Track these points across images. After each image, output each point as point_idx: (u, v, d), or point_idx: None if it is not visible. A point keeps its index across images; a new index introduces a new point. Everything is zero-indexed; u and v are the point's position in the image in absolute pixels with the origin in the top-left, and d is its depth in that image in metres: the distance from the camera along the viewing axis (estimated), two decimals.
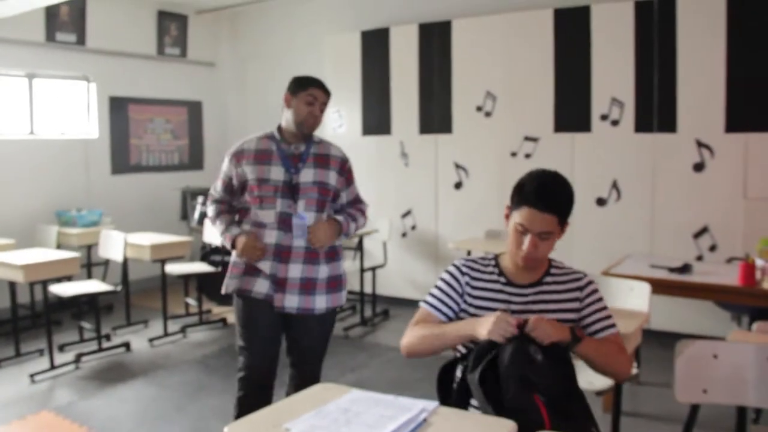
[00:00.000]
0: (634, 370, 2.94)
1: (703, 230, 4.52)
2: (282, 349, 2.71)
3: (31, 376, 4.10)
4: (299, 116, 2.60)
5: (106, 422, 3.46)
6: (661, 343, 4.13)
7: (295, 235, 2.56)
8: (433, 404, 1.52)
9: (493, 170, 5.28)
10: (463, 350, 1.82)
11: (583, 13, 4.85)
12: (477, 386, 1.64)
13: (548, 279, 1.88)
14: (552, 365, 1.65)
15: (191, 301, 5.55)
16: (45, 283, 4.31)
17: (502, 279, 1.88)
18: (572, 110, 4.95)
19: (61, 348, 4.65)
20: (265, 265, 2.59)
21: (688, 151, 4.54)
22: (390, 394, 1.60)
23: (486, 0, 5.46)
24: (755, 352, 1.91)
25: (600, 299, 1.87)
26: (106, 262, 5.21)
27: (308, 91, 2.61)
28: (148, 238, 5.08)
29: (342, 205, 2.74)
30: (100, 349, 4.58)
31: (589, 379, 2.54)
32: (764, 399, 1.93)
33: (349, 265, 4.94)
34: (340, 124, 6.13)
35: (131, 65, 6.41)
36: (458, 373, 1.85)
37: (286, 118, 2.65)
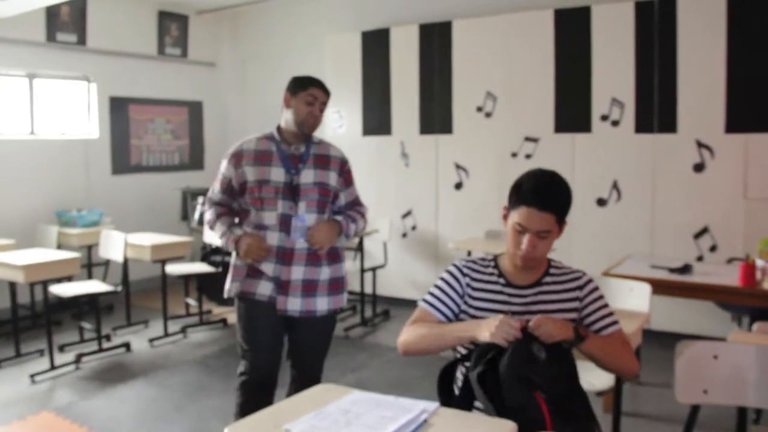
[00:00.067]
0: None
1: (704, 231, 4.52)
2: (282, 350, 2.71)
3: (32, 376, 4.10)
4: (299, 116, 2.58)
5: (107, 422, 3.46)
6: (661, 343, 4.13)
7: (294, 237, 2.54)
8: (433, 405, 1.52)
9: (493, 171, 5.28)
10: (464, 351, 1.82)
11: (584, 13, 4.85)
12: (477, 385, 1.64)
13: (548, 279, 1.88)
14: (554, 364, 1.66)
15: (191, 302, 5.55)
16: (45, 284, 4.31)
17: (502, 280, 1.88)
18: (572, 111, 4.95)
19: (62, 348, 4.65)
20: (268, 268, 2.57)
21: (688, 152, 4.54)
22: (390, 395, 1.59)
23: (486, 0, 5.46)
24: (755, 353, 1.91)
25: (600, 297, 1.87)
26: (107, 263, 5.21)
27: (308, 91, 2.59)
28: (148, 239, 5.08)
29: (341, 206, 2.72)
30: (101, 350, 4.58)
31: (590, 380, 2.54)
32: (764, 399, 1.93)
33: (349, 265, 4.93)
34: (340, 124, 6.13)
35: (132, 65, 6.41)
36: (459, 374, 1.85)
37: (286, 118, 2.63)
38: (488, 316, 1.81)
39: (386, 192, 5.85)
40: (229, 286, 2.68)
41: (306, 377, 2.63)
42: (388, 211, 5.74)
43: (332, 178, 2.65)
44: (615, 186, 4.82)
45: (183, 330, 5.10)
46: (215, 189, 2.74)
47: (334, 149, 2.73)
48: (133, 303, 5.48)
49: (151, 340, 4.87)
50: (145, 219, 6.33)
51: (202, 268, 5.36)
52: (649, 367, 3.92)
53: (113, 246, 4.76)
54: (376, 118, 5.92)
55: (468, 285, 1.89)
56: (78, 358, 4.39)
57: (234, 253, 2.67)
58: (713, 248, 4.48)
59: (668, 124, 4.60)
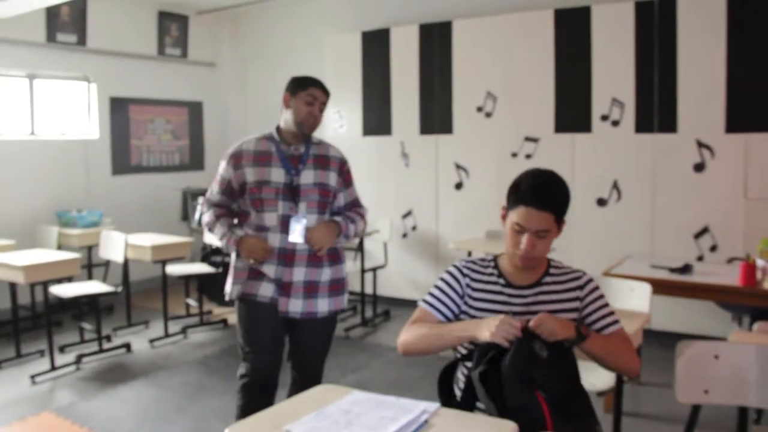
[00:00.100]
0: None
1: (704, 230, 4.52)
2: (283, 351, 2.71)
3: (32, 377, 4.10)
4: (299, 116, 2.57)
5: (107, 423, 3.46)
6: (662, 343, 4.13)
7: (291, 237, 2.52)
8: (434, 405, 1.52)
9: (493, 171, 5.28)
10: (464, 351, 1.82)
11: (584, 13, 4.85)
12: (479, 384, 1.64)
13: (547, 279, 1.88)
14: (556, 363, 1.66)
15: (192, 302, 5.55)
16: (46, 284, 4.32)
17: (502, 280, 1.88)
18: (573, 111, 4.95)
19: (62, 349, 4.65)
20: (270, 270, 2.55)
21: (688, 152, 4.54)
22: (391, 395, 1.59)
23: (486, 0, 5.46)
24: (756, 353, 1.91)
25: (601, 296, 1.87)
26: (107, 263, 5.21)
27: (308, 91, 2.58)
28: (148, 239, 5.08)
29: (340, 207, 2.70)
30: (101, 350, 4.58)
31: (591, 380, 2.54)
32: (765, 399, 1.93)
33: (349, 265, 4.92)
34: (340, 124, 6.13)
35: (132, 66, 6.41)
36: (460, 374, 1.85)
37: (285, 118, 2.62)
38: (488, 316, 1.81)
39: (386, 192, 5.85)
40: (230, 289, 2.66)
41: (307, 378, 2.62)
42: (389, 212, 5.74)
43: (332, 179, 2.64)
44: (615, 186, 4.82)
45: (183, 330, 5.10)
46: (214, 190, 2.71)
47: (333, 149, 2.72)
48: (134, 303, 5.48)
49: (151, 341, 4.87)
50: (146, 219, 6.33)
51: (202, 268, 5.36)
52: (650, 367, 3.92)
53: (113, 246, 4.76)
54: (377, 118, 5.92)
55: (468, 285, 1.89)
56: (78, 359, 4.39)
57: (234, 255, 2.65)
58: (713, 248, 4.48)
59: (668, 124, 4.60)
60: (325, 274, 2.61)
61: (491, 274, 1.89)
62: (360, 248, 5.28)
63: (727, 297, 3.49)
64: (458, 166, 5.51)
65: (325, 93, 2.63)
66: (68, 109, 6.08)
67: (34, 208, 5.67)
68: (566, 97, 4.97)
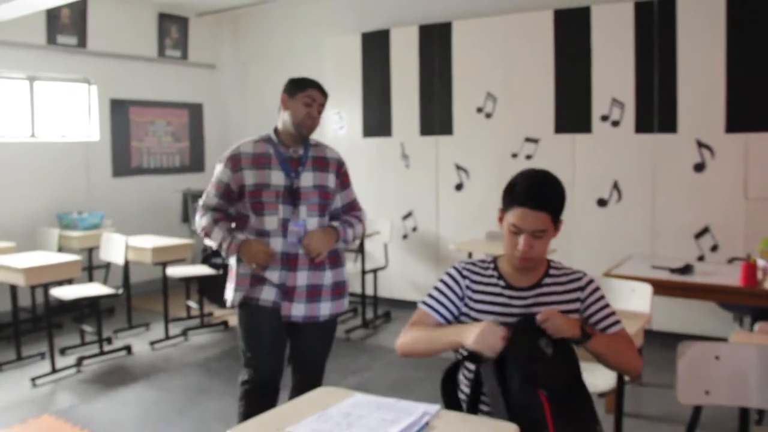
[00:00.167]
0: None
1: (704, 231, 4.52)
2: (285, 355, 2.70)
3: (33, 379, 4.10)
4: (297, 118, 2.55)
5: (108, 426, 3.46)
6: (662, 344, 4.12)
7: (290, 241, 2.50)
8: (435, 407, 1.52)
9: (493, 171, 5.28)
10: (465, 352, 1.82)
11: (583, 14, 4.85)
12: (492, 376, 1.63)
13: (547, 280, 1.87)
14: (559, 361, 1.66)
15: (192, 304, 5.55)
16: (46, 287, 4.31)
17: (502, 282, 1.88)
18: (573, 111, 4.95)
19: (63, 351, 4.65)
20: (273, 275, 2.52)
21: (688, 152, 4.54)
22: (392, 397, 1.60)
23: (486, 1, 5.47)
24: (757, 354, 1.91)
25: (602, 297, 1.88)
26: (108, 265, 5.21)
27: (306, 93, 2.56)
28: (149, 241, 5.08)
29: (337, 209, 2.68)
30: (102, 353, 4.58)
31: (592, 381, 2.53)
32: (767, 400, 1.92)
33: (350, 267, 4.92)
34: (340, 126, 6.13)
35: (132, 67, 6.42)
36: (461, 376, 1.85)
37: (283, 120, 2.60)
38: (489, 318, 1.81)
39: (387, 193, 5.85)
40: (232, 296, 2.60)
41: (307, 380, 2.60)
42: (389, 213, 5.74)
43: (331, 180, 2.63)
44: (615, 186, 4.82)
45: (184, 333, 5.10)
46: (210, 194, 2.63)
47: (331, 151, 2.70)
48: (134, 306, 5.48)
49: (152, 343, 4.87)
50: (146, 221, 6.33)
51: (203, 270, 5.36)
52: (651, 368, 3.92)
53: (114, 248, 4.76)
54: (377, 120, 5.92)
55: (468, 287, 1.89)
56: (79, 361, 4.39)
57: (234, 261, 2.60)
58: (714, 248, 4.48)
59: (668, 124, 4.59)
60: (328, 277, 2.59)
61: (491, 276, 1.89)
62: (360, 250, 5.28)
63: (728, 297, 3.49)
64: (458, 167, 5.51)
65: (323, 94, 2.61)
66: (69, 111, 6.09)
67: (35, 211, 5.68)
68: (566, 98, 4.97)
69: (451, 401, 1.84)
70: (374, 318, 5.39)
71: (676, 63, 4.53)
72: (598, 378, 2.57)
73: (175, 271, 5.20)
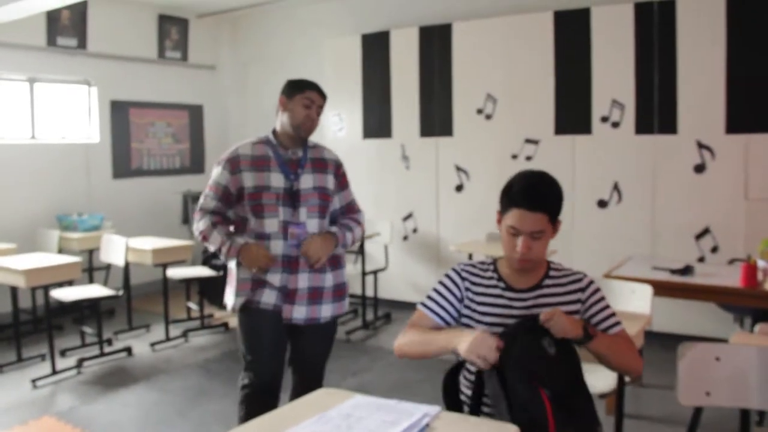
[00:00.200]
0: None
1: (705, 231, 4.52)
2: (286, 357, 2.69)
3: (33, 381, 4.10)
4: (296, 119, 2.54)
5: (108, 427, 3.46)
6: (663, 345, 4.12)
7: (291, 244, 2.50)
8: (435, 409, 1.52)
9: (494, 173, 5.27)
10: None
11: (583, 15, 4.85)
12: (494, 378, 1.63)
13: (548, 282, 1.87)
14: (561, 360, 1.66)
15: (193, 306, 5.55)
16: (46, 288, 4.31)
17: (502, 284, 1.88)
18: (573, 112, 4.95)
19: (63, 353, 4.65)
20: (275, 278, 2.51)
21: (688, 153, 4.53)
22: (392, 398, 1.59)
23: (486, 2, 5.47)
24: (758, 355, 1.91)
25: (603, 298, 1.88)
26: (108, 267, 5.21)
27: (305, 94, 2.55)
28: (149, 243, 5.08)
29: (335, 210, 2.67)
30: (102, 354, 4.57)
31: (592, 382, 2.53)
32: (767, 401, 1.92)
33: (350, 268, 4.93)
34: (340, 127, 6.13)
35: (132, 69, 6.42)
36: (462, 378, 1.85)
37: (282, 121, 2.59)
38: (489, 320, 1.81)
39: (387, 195, 5.85)
40: (232, 301, 2.58)
41: (308, 382, 2.60)
42: (389, 214, 5.74)
43: (330, 182, 2.62)
44: (616, 187, 4.82)
45: (184, 334, 5.10)
46: (208, 197, 2.59)
47: (328, 152, 2.70)
48: (135, 307, 5.48)
49: (152, 345, 4.87)
50: (146, 223, 6.33)
51: (203, 271, 5.36)
52: (651, 369, 3.91)
53: (114, 250, 4.76)
54: (377, 121, 5.92)
55: (468, 289, 1.89)
56: (79, 363, 4.38)
57: (234, 265, 2.59)
58: (714, 249, 4.48)
59: (668, 125, 4.59)
60: (328, 279, 2.58)
61: (491, 278, 1.89)
62: (361, 251, 5.28)
63: (729, 298, 3.48)
64: (459, 169, 5.51)
65: (322, 96, 2.61)
66: (69, 113, 6.09)
67: (35, 212, 5.68)
68: (566, 99, 4.97)
69: (452, 403, 1.84)
70: (374, 319, 5.39)
71: (676, 64, 4.53)
72: (598, 379, 2.57)
73: (175, 273, 5.19)
